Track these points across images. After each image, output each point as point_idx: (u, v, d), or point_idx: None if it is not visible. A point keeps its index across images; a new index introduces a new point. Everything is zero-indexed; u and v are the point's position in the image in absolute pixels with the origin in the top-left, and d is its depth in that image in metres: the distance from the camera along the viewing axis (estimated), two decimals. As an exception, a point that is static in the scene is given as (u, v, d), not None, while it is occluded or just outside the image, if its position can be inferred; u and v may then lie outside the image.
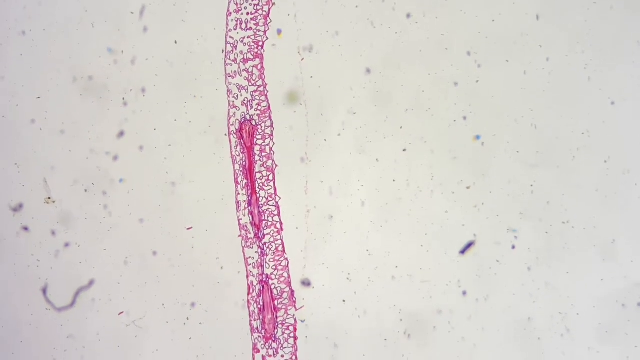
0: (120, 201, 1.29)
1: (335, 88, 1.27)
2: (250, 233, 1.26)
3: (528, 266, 1.25)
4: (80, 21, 1.29)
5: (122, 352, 1.30)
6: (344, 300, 1.27)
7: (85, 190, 1.29)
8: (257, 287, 1.26)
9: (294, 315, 1.26)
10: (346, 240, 1.27)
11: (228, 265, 1.28)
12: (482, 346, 1.25)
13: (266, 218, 1.26)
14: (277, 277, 1.26)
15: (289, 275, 1.27)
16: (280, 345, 1.26)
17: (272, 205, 1.26)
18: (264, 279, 1.26)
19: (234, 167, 1.27)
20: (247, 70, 1.25)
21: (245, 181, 1.26)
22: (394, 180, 1.26)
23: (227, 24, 1.25)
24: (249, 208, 1.26)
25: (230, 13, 1.25)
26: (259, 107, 1.26)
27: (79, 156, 1.29)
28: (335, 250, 1.27)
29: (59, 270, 1.30)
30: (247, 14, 1.25)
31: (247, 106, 1.26)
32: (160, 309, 1.29)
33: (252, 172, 1.26)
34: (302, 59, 1.26)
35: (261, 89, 1.26)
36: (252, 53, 1.25)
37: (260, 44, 1.25)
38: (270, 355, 1.26)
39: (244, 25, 1.25)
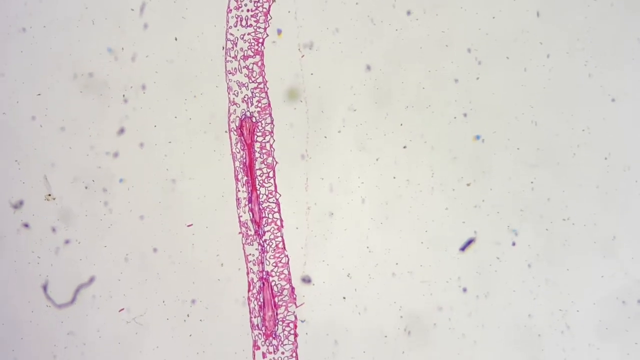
0: (121, 198, 1.29)
1: (335, 85, 1.27)
2: (250, 230, 1.26)
3: (528, 263, 1.25)
4: (80, 18, 1.29)
5: (123, 349, 1.30)
6: (344, 297, 1.27)
7: (86, 187, 1.29)
8: (258, 284, 1.26)
9: (294, 312, 1.26)
10: (346, 237, 1.27)
11: (228, 262, 1.28)
12: (482, 343, 1.25)
13: (266, 215, 1.26)
14: (278, 274, 1.26)
15: (289, 272, 1.27)
16: (280, 342, 1.26)
17: (273, 203, 1.26)
18: (264, 276, 1.26)
19: (234, 164, 1.27)
20: (247, 67, 1.25)
21: (245, 178, 1.26)
22: (394, 178, 1.26)
23: (227, 21, 1.25)
24: (249, 205, 1.26)
25: (231, 10, 1.25)
26: (259, 104, 1.26)
27: (79, 153, 1.29)
28: (335, 248, 1.27)
29: (60, 267, 1.30)
30: (248, 10, 1.25)
31: (247, 103, 1.26)
32: (160, 305, 1.29)
33: (252, 169, 1.26)
34: (303, 55, 1.26)
35: (261, 86, 1.26)
36: (253, 50, 1.25)
37: (261, 41, 1.25)
38: (270, 352, 1.26)
39: (244, 22, 1.25)
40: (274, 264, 1.26)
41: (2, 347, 1.31)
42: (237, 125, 1.26)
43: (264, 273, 1.26)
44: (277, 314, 1.26)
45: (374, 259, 1.27)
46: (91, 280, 1.30)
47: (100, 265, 1.30)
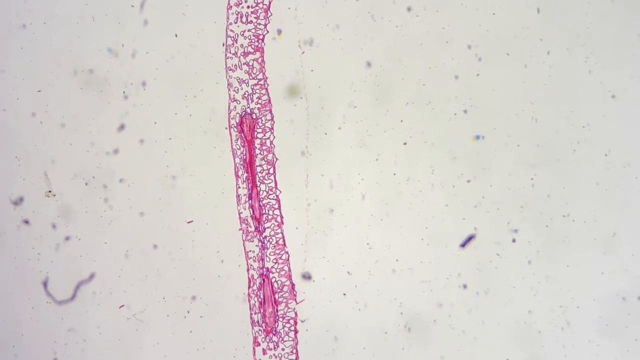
0: (121, 195, 1.29)
1: (335, 81, 1.27)
2: (250, 226, 1.26)
3: (528, 259, 1.25)
4: (80, 14, 1.29)
5: (123, 346, 1.30)
6: (344, 294, 1.27)
7: (86, 184, 1.29)
8: (258, 281, 1.26)
9: (294, 308, 1.26)
10: (347, 233, 1.27)
11: (228, 258, 1.28)
12: (482, 339, 1.25)
13: (267, 211, 1.26)
14: (278, 270, 1.26)
15: (289, 268, 1.27)
16: (280, 339, 1.26)
17: (273, 199, 1.26)
18: (265, 273, 1.26)
19: (234, 161, 1.27)
20: (247, 64, 1.25)
21: (245, 175, 1.26)
22: (394, 174, 1.27)
23: (228, 17, 1.25)
24: (250, 201, 1.26)
25: (231, 6, 1.25)
26: (260, 101, 1.26)
27: (79, 150, 1.29)
28: (335, 244, 1.27)
29: (60, 263, 1.30)
30: (248, 7, 1.25)
31: (247, 100, 1.26)
32: (160, 302, 1.29)
33: (252, 166, 1.26)
34: (303, 52, 1.26)
35: (262, 82, 1.26)
36: (253, 46, 1.25)
37: (261, 37, 1.25)
38: (270, 349, 1.26)
39: (244, 19, 1.25)
40: (274, 261, 1.26)
41: (3, 344, 1.31)
42: (237, 121, 1.26)
43: (264, 270, 1.26)
44: (277, 310, 1.26)
45: (374, 256, 1.27)
46: (91, 276, 1.30)
47: (100, 261, 1.30)
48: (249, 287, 1.27)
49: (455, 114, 1.26)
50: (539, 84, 1.24)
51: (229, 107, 1.26)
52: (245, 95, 1.26)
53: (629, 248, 1.23)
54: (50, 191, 1.29)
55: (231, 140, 1.26)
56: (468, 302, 1.26)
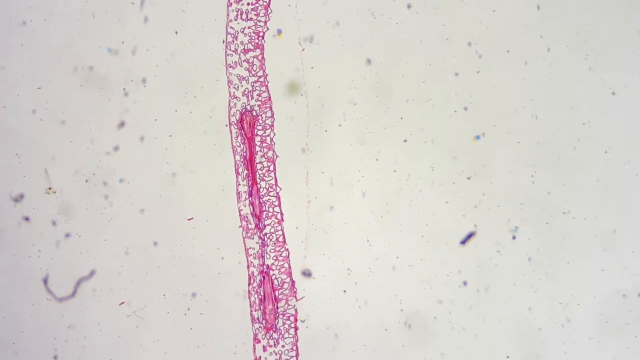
0: (121, 192, 1.29)
1: (335, 79, 1.27)
2: (250, 224, 1.26)
3: (528, 257, 1.25)
4: (80, 11, 1.29)
5: (123, 342, 1.30)
6: (344, 291, 1.27)
7: (86, 181, 1.29)
8: (258, 278, 1.26)
9: (294, 305, 1.26)
10: (347, 231, 1.27)
11: (229, 255, 1.28)
12: (482, 336, 1.25)
13: (267, 209, 1.26)
14: (278, 267, 1.26)
15: (289, 265, 1.27)
16: (281, 336, 1.26)
17: (273, 196, 1.26)
18: (265, 270, 1.26)
19: (234, 158, 1.27)
20: (247, 61, 1.25)
21: (245, 172, 1.26)
22: (394, 171, 1.27)
23: (228, 15, 1.25)
24: (250, 199, 1.26)
25: (231, 3, 1.25)
26: (260, 98, 1.26)
27: (79, 147, 1.29)
28: (335, 241, 1.27)
29: (60, 260, 1.30)
30: (248, 4, 1.25)
31: (247, 97, 1.26)
32: (161, 299, 1.29)
33: (252, 163, 1.26)
34: (303, 49, 1.26)
35: (262, 79, 1.26)
36: (253, 43, 1.25)
37: (261, 34, 1.25)
38: (271, 346, 1.26)
39: (244, 16, 1.25)
40: (275, 258, 1.26)
41: (3, 341, 1.31)
42: (237, 118, 1.26)
43: (265, 267, 1.26)
44: (277, 307, 1.26)
45: (374, 253, 1.27)
46: (92, 273, 1.30)
47: (100, 258, 1.30)
48: (249, 284, 1.27)
49: (455, 111, 1.26)
50: (539, 81, 1.24)
51: (229, 104, 1.26)
52: (246, 93, 1.26)
53: (629, 245, 1.23)
54: (50, 188, 1.29)
55: (231, 137, 1.26)
56: (468, 299, 1.26)
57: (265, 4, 1.25)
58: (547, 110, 1.24)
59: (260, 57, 1.25)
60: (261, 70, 1.25)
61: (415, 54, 1.26)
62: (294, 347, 1.26)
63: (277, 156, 1.27)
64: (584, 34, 1.23)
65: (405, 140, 1.26)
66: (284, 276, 1.26)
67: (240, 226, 1.27)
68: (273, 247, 1.26)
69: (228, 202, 1.27)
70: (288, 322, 1.26)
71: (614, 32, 1.23)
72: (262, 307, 1.26)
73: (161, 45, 1.28)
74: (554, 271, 1.24)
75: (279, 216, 1.26)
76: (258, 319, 1.26)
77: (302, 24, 1.26)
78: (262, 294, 1.26)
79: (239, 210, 1.27)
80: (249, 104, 1.26)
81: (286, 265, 1.27)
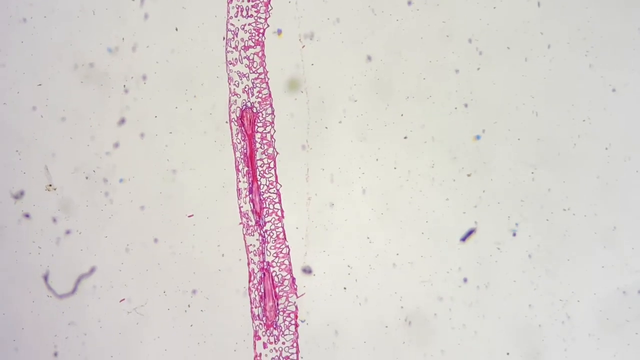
0: (121, 189, 1.29)
1: (336, 75, 1.27)
2: (251, 221, 1.26)
3: (529, 253, 1.25)
4: (81, 8, 1.29)
5: (124, 339, 1.30)
6: (344, 288, 1.27)
7: (86, 178, 1.29)
8: (258, 275, 1.26)
9: (295, 302, 1.26)
10: (347, 227, 1.27)
11: (229, 252, 1.28)
12: (482, 333, 1.25)
13: (267, 206, 1.26)
14: (278, 264, 1.26)
15: (290, 262, 1.27)
16: (281, 332, 1.26)
17: (273, 193, 1.26)
18: (265, 267, 1.26)
19: (235, 155, 1.27)
20: (248, 58, 1.25)
21: (246, 169, 1.26)
22: (395, 168, 1.27)
23: (228, 11, 1.25)
24: (250, 195, 1.26)
25: (231, 0, 1.25)
26: (260, 95, 1.26)
27: (80, 143, 1.29)
28: (336, 238, 1.27)
29: (60, 257, 1.30)
30: (248, 1, 1.25)
31: (248, 94, 1.26)
32: (161, 296, 1.29)
33: (253, 160, 1.26)
34: (303, 46, 1.26)
35: (262, 76, 1.26)
36: (253, 40, 1.25)
37: (261, 31, 1.25)
38: (271, 342, 1.26)
39: (244, 13, 1.25)
40: (275, 255, 1.26)
41: (3, 337, 1.31)
42: (237, 115, 1.26)
43: (265, 263, 1.26)
44: (277, 304, 1.26)
45: (375, 250, 1.27)
46: (92, 270, 1.30)
47: (101, 255, 1.30)
48: (249, 281, 1.27)
49: (455, 108, 1.26)
50: (540, 78, 1.24)
51: (230, 101, 1.26)
52: (246, 89, 1.26)
53: (629, 242, 1.23)
54: (50, 185, 1.29)
55: (232, 134, 1.26)
56: (468, 296, 1.26)
57: (265, 1, 1.25)
58: (548, 107, 1.24)
59: (260, 54, 1.25)
60: (261, 67, 1.25)
61: (415, 51, 1.26)
62: (294, 344, 1.26)
63: (277, 153, 1.27)
64: (584, 30, 1.23)
65: (405, 137, 1.26)
66: (284, 273, 1.26)
67: (240, 223, 1.27)
68: (273, 244, 1.26)
69: (228, 199, 1.27)
70: (288, 319, 1.26)
71: (614, 29, 1.23)
72: (262, 304, 1.26)
73: (161, 42, 1.28)
74: (554, 268, 1.24)
75: (279, 213, 1.26)
76: (258, 315, 1.26)
77: (303, 21, 1.26)
78: (262, 290, 1.26)
79: (240, 207, 1.27)
80: (249, 101, 1.26)
81: (286, 262, 1.27)
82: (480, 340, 1.26)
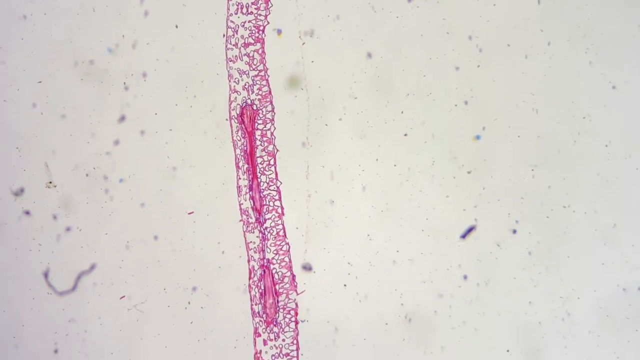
0: (122, 186, 1.29)
1: (336, 72, 1.27)
2: (251, 218, 1.26)
3: (529, 251, 1.25)
4: (81, 5, 1.29)
5: (124, 336, 1.30)
6: (344, 285, 1.27)
7: (87, 175, 1.29)
8: (259, 272, 1.26)
9: (295, 299, 1.26)
10: (347, 225, 1.27)
11: (229, 249, 1.28)
12: (482, 330, 1.26)
13: (267, 203, 1.26)
14: (278, 261, 1.26)
15: (290, 259, 1.27)
16: (281, 329, 1.26)
17: (273, 190, 1.26)
18: (265, 264, 1.26)
19: (235, 152, 1.27)
20: (248, 55, 1.25)
21: (246, 166, 1.26)
22: (395, 165, 1.27)
23: (228, 8, 1.25)
24: (250, 193, 1.26)
25: (231, -3, 1.25)
26: (260, 92, 1.26)
27: (80, 141, 1.29)
28: (336, 235, 1.27)
29: (61, 254, 1.30)
30: (248, -2, 1.25)
31: (248, 91, 1.26)
32: (161, 293, 1.29)
33: (253, 157, 1.26)
34: (303, 43, 1.26)
35: (262, 73, 1.26)
36: (253, 37, 1.25)
37: (261, 28, 1.25)
38: (271, 339, 1.26)
39: (245, 10, 1.25)
40: (275, 252, 1.26)
41: (4, 335, 1.31)
42: (237, 112, 1.26)
43: (265, 261, 1.26)
44: (278, 301, 1.26)
45: (375, 247, 1.27)
46: (92, 267, 1.30)
47: (101, 252, 1.30)
48: (249, 278, 1.27)
49: (455, 105, 1.26)
50: (540, 75, 1.24)
51: (230, 98, 1.26)
52: (246, 87, 1.26)
53: (629, 239, 1.23)
54: (51, 182, 1.30)
55: (232, 131, 1.26)
56: (468, 293, 1.26)
57: (265, -3, 1.25)
58: (548, 104, 1.24)
59: (260, 51, 1.25)
60: (261, 64, 1.25)
61: (415, 48, 1.26)
62: (295, 341, 1.26)
63: (277, 150, 1.27)
64: (584, 28, 1.23)
65: (405, 135, 1.26)
66: (284, 270, 1.26)
67: (240, 220, 1.27)
68: (273, 241, 1.26)
69: (228, 196, 1.27)
70: (288, 316, 1.26)
71: (614, 26, 1.23)
72: (262, 301, 1.26)
73: (161, 39, 1.28)
74: (554, 265, 1.24)
75: (279, 210, 1.26)
76: (258, 312, 1.26)
77: (303, 18, 1.26)
78: (262, 287, 1.26)
79: (240, 204, 1.27)
80: (249, 98, 1.26)
81: (287, 259, 1.27)
82: (480, 338, 1.26)
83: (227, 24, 1.25)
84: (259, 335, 1.26)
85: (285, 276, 1.26)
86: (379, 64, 1.26)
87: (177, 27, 1.28)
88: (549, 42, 1.24)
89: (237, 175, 1.27)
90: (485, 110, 1.25)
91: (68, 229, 1.30)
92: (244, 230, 1.27)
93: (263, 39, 1.25)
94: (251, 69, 1.25)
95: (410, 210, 1.27)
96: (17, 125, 1.30)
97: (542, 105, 1.24)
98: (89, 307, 1.30)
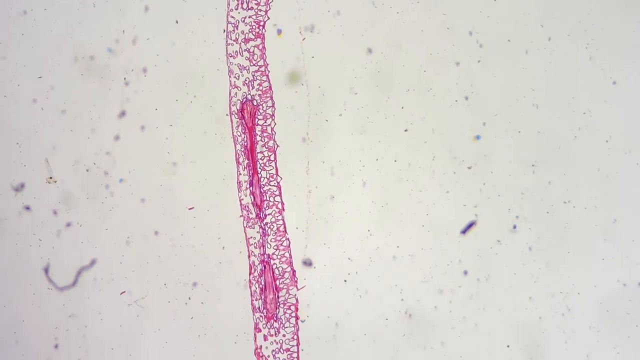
0: (122, 181, 1.29)
1: (336, 68, 1.27)
2: (251, 213, 1.26)
3: (529, 246, 1.25)
4: (81, 1, 1.29)
5: (124, 332, 1.30)
6: (345, 280, 1.27)
7: (87, 170, 1.29)
8: (259, 267, 1.26)
9: (295, 295, 1.26)
10: (347, 220, 1.27)
11: (229, 245, 1.28)
12: (483, 326, 1.26)
13: (267, 198, 1.26)
14: (279, 257, 1.26)
15: (290, 255, 1.27)
16: (281, 325, 1.26)
17: (274, 186, 1.26)
18: (266, 259, 1.26)
19: (235, 148, 1.27)
20: (248, 50, 1.25)
21: (246, 161, 1.26)
22: (395, 161, 1.27)
23: (228, 4, 1.25)
24: (251, 188, 1.26)
25: (232, -7, 1.25)
26: (261, 87, 1.26)
27: (80, 136, 1.29)
28: (336, 231, 1.27)
29: (61, 249, 1.30)
30: (249, -7, 1.25)
31: (248, 86, 1.26)
32: (162, 288, 1.29)
33: (253, 153, 1.26)
34: (304, 38, 1.26)
35: (262, 69, 1.25)
36: (254, 33, 1.25)
37: (262, 23, 1.25)
38: (271, 335, 1.26)
39: (245, 5, 1.25)
40: (275, 247, 1.26)
41: (4, 330, 1.31)
42: (238, 108, 1.26)
43: (265, 256, 1.26)
44: (278, 296, 1.26)
45: (375, 242, 1.27)
46: (92, 263, 1.30)
47: (101, 248, 1.30)
48: (250, 274, 1.27)
49: (456, 101, 1.26)
50: (540, 71, 1.24)
51: (230, 94, 1.26)
52: (246, 82, 1.26)
53: (629, 234, 1.23)
54: (51, 177, 1.30)
55: (232, 127, 1.26)
56: (469, 288, 1.26)
57: (265, -7, 1.25)
58: (548, 100, 1.24)
59: (261, 47, 1.25)
60: (262, 60, 1.25)
61: (416, 43, 1.26)
62: (295, 336, 1.27)
63: (277, 146, 1.27)
64: (585, 23, 1.23)
65: (406, 130, 1.26)
66: (284, 265, 1.27)
67: (241, 216, 1.27)
68: (274, 237, 1.26)
69: (229, 191, 1.27)
70: (289, 311, 1.26)
71: (614, 21, 1.23)
72: (263, 297, 1.26)
73: (162, 34, 1.28)
74: (554, 261, 1.24)
75: (279, 206, 1.26)
76: (259, 308, 1.26)
77: (303, 13, 1.26)
78: (263, 283, 1.26)
79: (240, 200, 1.27)
80: (249, 94, 1.26)
81: (287, 254, 1.27)
82: (480, 333, 1.26)
83: (227, 20, 1.25)
84: (260, 330, 1.26)
85: (286, 272, 1.26)
86: (379, 59, 1.26)
87: (177, 22, 1.28)
88: (549, 38, 1.24)
89: (238, 171, 1.27)
90: (485, 105, 1.25)
91: (68, 225, 1.30)
92: (245, 225, 1.27)
93: (263, 35, 1.25)
94: (251, 64, 1.25)
95: (410, 206, 1.27)
96: (18, 120, 1.30)
97: (542, 101, 1.24)
98: (90, 302, 1.30)
